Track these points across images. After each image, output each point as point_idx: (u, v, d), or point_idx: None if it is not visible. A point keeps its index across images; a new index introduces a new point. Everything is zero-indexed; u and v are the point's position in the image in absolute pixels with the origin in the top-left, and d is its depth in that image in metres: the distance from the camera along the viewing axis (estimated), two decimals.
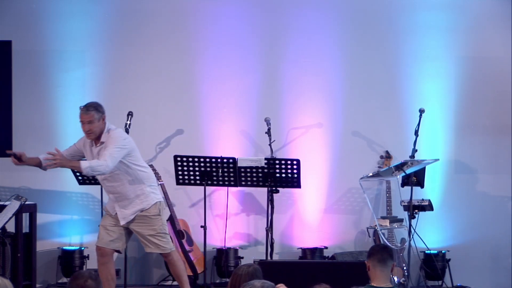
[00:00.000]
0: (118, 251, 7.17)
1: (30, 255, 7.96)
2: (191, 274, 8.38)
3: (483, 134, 9.03)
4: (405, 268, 8.10)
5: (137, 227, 7.05)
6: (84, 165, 6.73)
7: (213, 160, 7.78)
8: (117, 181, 6.97)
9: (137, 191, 6.99)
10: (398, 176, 7.80)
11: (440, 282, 8.77)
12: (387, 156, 8.85)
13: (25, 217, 7.98)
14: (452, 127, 9.04)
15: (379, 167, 8.77)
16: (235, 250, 8.74)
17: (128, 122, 8.19)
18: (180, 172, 7.85)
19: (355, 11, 9.04)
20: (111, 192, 7.06)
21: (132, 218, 7.01)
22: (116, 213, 7.04)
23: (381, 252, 5.17)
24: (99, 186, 7.94)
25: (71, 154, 7.08)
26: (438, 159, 8.01)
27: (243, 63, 9.00)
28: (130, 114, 8.27)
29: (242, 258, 8.68)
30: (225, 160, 7.76)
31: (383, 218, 8.35)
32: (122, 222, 7.02)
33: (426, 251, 8.68)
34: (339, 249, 8.81)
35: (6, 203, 7.48)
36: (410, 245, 7.82)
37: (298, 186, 8.25)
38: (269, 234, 7.89)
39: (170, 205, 8.44)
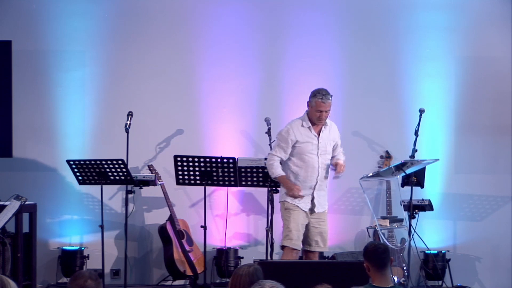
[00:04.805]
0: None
1: (30, 255, 7.96)
2: (191, 274, 8.39)
3: (483, 134, 9.03)
4: (405, 268, 8.09)
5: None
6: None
7: (213, 160, 7.77)
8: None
9: None
10: (398, 176, 7.79)
11: (440, 282, 8.77)
12: (387, 156, 8.85)
13: (25, 217, 7.97)
14: (452, 127, 9.04)
15: (379, 167, 8.77)
16: (235, 250, 8.74)
17: (128, 122, 8.18)
18: (180, 172, 7.85)
19: (355, 11, 9.04)
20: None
21: None
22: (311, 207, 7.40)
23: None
24: (99, 186, 7.93)
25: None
26: (438, 159, 8.00)
27: (243, 63, 9.00)
28: (130, 114, 8.26)
29: (242, 258, 8.68)
30: (225, 160, 7.75)
31: (383, 218, 8.35)
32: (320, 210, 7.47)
33: (426, 251, 8.68)
34: (339, 249, 8.81)
35: (6, 203, 7.48)
36: (410, 245, 7.82)
37: None
38: (269, 234, 7.87)
39: (170, 205, 8.44)
